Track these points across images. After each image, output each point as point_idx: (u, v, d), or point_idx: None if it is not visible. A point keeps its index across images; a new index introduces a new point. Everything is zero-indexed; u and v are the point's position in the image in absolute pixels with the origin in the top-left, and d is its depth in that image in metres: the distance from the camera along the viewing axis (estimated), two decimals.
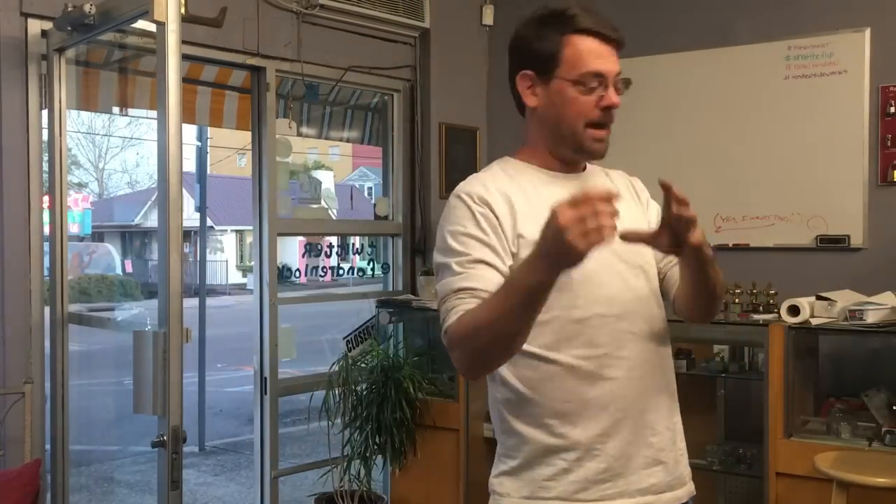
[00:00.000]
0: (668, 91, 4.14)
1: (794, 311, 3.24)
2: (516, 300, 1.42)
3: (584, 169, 1.77)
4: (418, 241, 4.56)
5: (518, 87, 1.69)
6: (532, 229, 1.49)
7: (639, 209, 1.78)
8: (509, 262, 1.59)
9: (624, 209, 1.57)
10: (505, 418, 1.67)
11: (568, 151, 1.70)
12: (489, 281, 1.53)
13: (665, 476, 1.67)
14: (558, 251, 1.33)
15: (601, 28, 1.65)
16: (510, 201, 1.63)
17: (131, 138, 29.48)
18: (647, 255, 1.71)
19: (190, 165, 10.48)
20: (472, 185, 1.66)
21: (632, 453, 1.63)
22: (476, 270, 1.55)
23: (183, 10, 2.33)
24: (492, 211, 1.61)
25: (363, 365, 4.07)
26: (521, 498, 1.64)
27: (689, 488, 1.74)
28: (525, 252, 1.51)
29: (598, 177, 1.78)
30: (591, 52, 1.63)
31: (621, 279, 1.66)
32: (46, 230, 3.20)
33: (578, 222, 1.29)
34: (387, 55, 4.43)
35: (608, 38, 1.65)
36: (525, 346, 1.54)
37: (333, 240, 4.63)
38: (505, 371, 1.64)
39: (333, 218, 4.84)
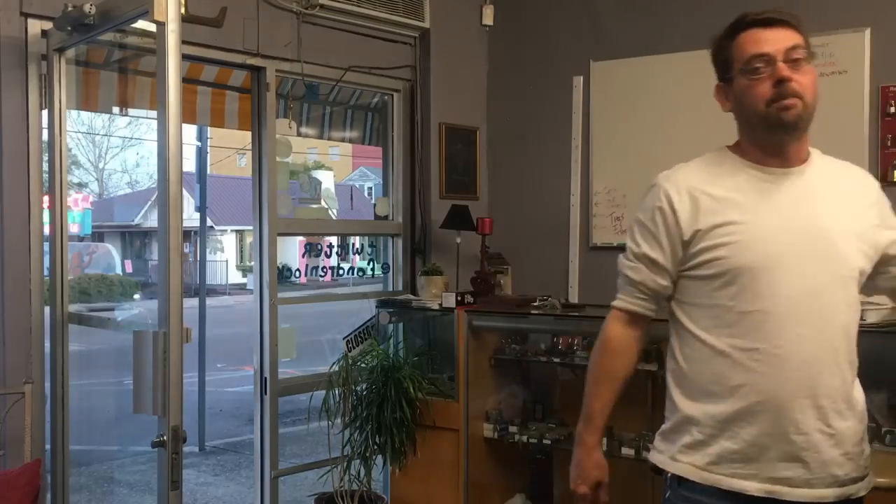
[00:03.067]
0: (668, 91, 4.13)
1: None
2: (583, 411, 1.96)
3: (806, 161, 1.82)
4: (418, 241, 4.56)
5: (717, 99, 1.87)
6: (712, 221, 1.74)
7: (863, 209, 1.82)
8: (679, 254, 1.80)
9: (846, 209, 1.74)
10: (669, 385, 1.88)
11: (765, 134, 1.79)
12: (648, 278, 1.86)
13: (804, 473, 1.72)
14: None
15: (759, 15, 1.77)
16: (696, 198, 1.78)
17: (131, 138, 29.56)
18: (855, 263, 1.77)
19: (190, 165, 10.50)
20: (668, 179, 1.85)
21: (768, 444, 1.72)
22: (641, 266, 1.87)
23: (183, 10, 2.33)
24: (671, 207, 1.80)
25: (363, 365, 4.07)
26: (666, 457, 1.86)
27: (838, 491, 1.76)
28: (701, 244, 1.75)
29: (817, 175, 1.81)
30: (750, 40, 1.76)
31: (803, 278, 1.71)
32: (46, 230, 3.20)
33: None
34: (387, 55, 4.43)
35: (770, 20, 1.76)
36: (688, 326, 1.81)
37: (333, 240, 4.63)
38: (674, 344, 1.87)
39: (333, 218, 4.84)
